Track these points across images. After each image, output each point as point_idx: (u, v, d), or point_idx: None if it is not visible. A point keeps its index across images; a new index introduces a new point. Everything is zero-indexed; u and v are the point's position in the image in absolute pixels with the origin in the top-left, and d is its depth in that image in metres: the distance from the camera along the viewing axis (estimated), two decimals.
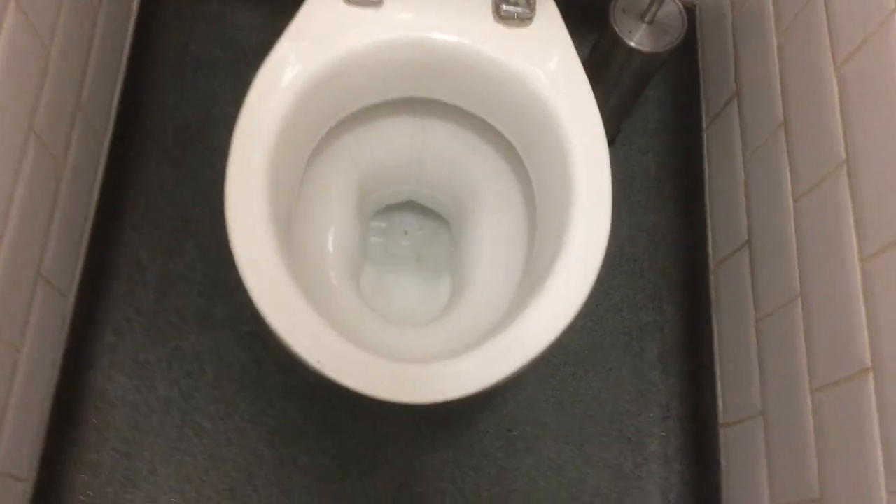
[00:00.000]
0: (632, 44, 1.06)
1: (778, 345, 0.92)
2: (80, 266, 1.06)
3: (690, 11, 1.29)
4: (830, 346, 0.81)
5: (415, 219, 1.16)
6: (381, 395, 0.72)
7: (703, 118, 1.23)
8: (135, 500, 1.02)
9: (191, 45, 1.27)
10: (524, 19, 0.87)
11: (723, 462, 1.04)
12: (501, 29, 0.87)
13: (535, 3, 0.88)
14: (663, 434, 1.12)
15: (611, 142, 1.28)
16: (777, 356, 0.93)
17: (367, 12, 0.86)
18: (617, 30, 1.06)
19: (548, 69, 0.86)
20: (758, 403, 0.96)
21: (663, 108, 1.31)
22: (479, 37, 0.87)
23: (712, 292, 1.13)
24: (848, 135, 0.82)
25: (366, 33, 0.85)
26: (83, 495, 1.02)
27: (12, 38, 0.78)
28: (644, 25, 1.06)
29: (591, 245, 0.79)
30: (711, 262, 1.15)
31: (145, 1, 1.23)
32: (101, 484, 1.02)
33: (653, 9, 1.05)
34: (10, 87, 0.79)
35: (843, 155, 0.82)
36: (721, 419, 1.06)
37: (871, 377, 0.74)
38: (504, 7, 0.87)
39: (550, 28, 0.88)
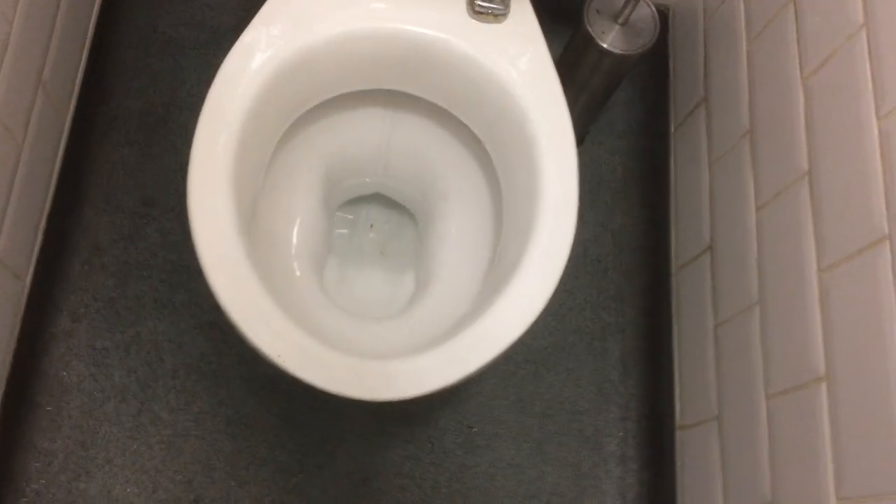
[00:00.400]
0: (604, 45, 1.06)
1: (735, 350, 0.94)
2: (36, 249, 1.03)
3: (663, 15, 1.29)
4: (786, 354, 0.83)
5: (381, 212, 1.15)
6: (341, 391, 0.71)
7: (672, 122, 1.24)
8: (89, 490, 1.00)
9: (159, 24, 1.24)
10: (498, 15, 0.87)
11: (678, 464, 1.06)
12: (475, 24, 0.87)
13: None
14: (621, 434, 1.13)
15: (579, 142, 1.28)
16: (734, 361, 0.94)
17: (339, 0, 0.85)
18: (590, 30, 1.06)
19: (519, 66, 0.86)
20: (714, 407, 0.97)
21: (632, 111, 1.32)
22: (452, 31, 0.86)
23: (674, 295, 1.14)
24: (811, 146, 0.83)
25: (339, 22, 0.84)
26: (36, 483, 1.00)
27: None
28: (617, 27, 1.07)
29: (555, 246, 0.79)
30: (674, 265, 1.16)
31: None
32: (54, 472, 1.00)
33: (626, 11, 1.05)
34: None
35: (806, 166, 0.83)
36: (678, 421, 1.08)
37: (824, 386, 0.75)
38: (478, 2, 0.86)
39: (524, 25, 0.88)
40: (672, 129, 1.24)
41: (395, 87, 0.92)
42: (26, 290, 1.01)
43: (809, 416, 0.76)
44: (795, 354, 0.80)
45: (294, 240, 0.98)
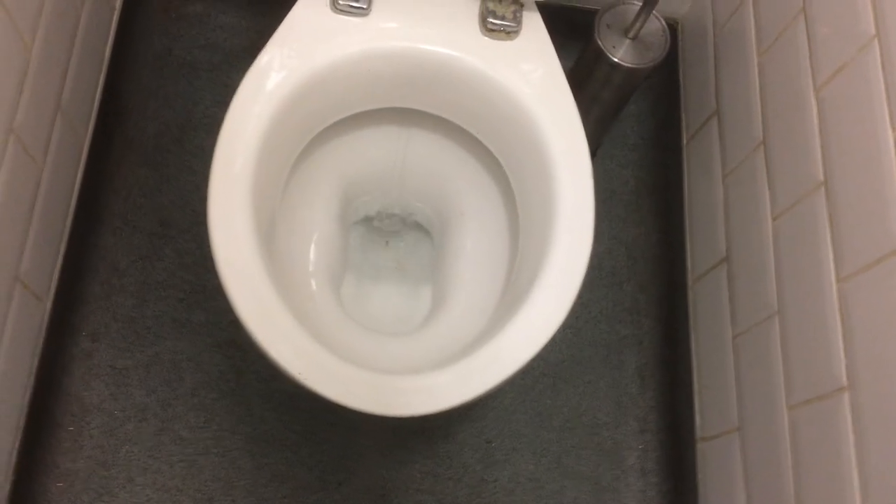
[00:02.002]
0: (615, 59, 1.07)
1: (755, 361, 0.94)
2: (57, 270, 1.04)
3: (672, 27, 1.30)
4: (807, 364, 0.82)
5: (397, 227, 1.16)
6: (361, 406, 0.72)
7: (683, 134, 1.25)
8: None
9: (173, 46, 1.26)
10: (510, 32, 0.88)
11: (700, 476, 1.05)
12: (487, 41, 0.88)
13: (521, 16, 0.88)
14: (641, 447, 1.13)
15: (592, 155, 1.28)
16: (754, 372, 0.94)
17: (353, 20, 0.86)
18: (601, 44, 1.07)
19: (532, 83, 0.87)
20: (735, 419, 0.97)
21: (643, 123, 1.33)
22: (465, 49, 0.87)
23: (690, 307, 1.14)
24: (826, 157, 0.83)
25: (352, 42, 0.85)
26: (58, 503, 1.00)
27: None
28: (628, 41, 1.07)
29: (571, 264, 0.79)
30: (690, 277, 1.16)
31: (130, 1, 1.22)
32: (76, 492, 1.01)
33: (637, 25, 1.06)
34: None
35: (822, 176, 0.83)
36: (699, 433, 1.07)
37: (846, 396, 0.75)
38: (490, 20, 0.87)
39: (536, 41, 0.89)
40: (684, 141, 1.24)
41: (409, 104, 0.93)
42: (47, 312, 1.02)
43: (832, 426, 0.76)
44: (816, 364, 0.80)
45: (311, 256, 0.99)
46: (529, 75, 0.87)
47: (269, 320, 0.74)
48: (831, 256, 0.80)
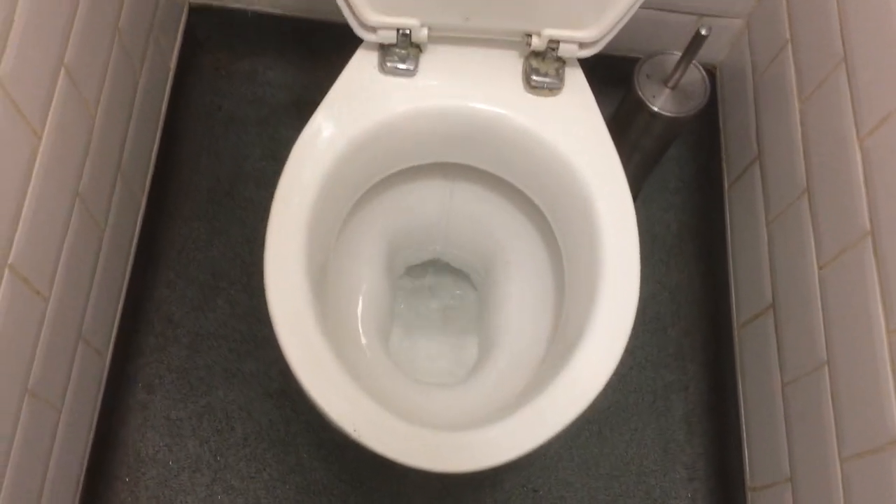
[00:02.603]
0: (655, 108, 1.08)
1: (805, 411, 0.93)
2: (115, 325, 1.08)
3: (710, 72, 1.31)
4: (859, 416, 0.82)
5: (441, 277, 1.18)
6: (418, 464, 0.73)
7: (725, 178, 1.25)
8: None
9: (223, 103, 1.30)
10: (553, 89, 0.90)
11: None
12: (532, 98, 0.90)
13: (563, 73, 0.90)
14: (689, 496, 1.12)
15: (633, 200, 1.29)
16: (805, 422, 0.93)
17: (401, 81, 0.89)
18: (641, 94, 1.08)
19: (577, 138, 0.88)
20: (786, 469, 0.96)
21: (684, 167, 1.33)
22: (510, 106, 0.89)
23: (737, 353, 1.14)
24: (872, 207, 0.83)
25: (400, 102, 0.88)
26: None
27: (62, 105, 0.81)
28: (668, 90, 1.09)
29: (619, 316, 0.80)
30: (735, 323, 1.16)
31: (183, 62, 1.27)
32: None
33: (677, 75, 1.07)
34: (58, 152, 0.81)
35: (868, 226, 0.83)
36: (749, 483, 1.06)
37: None
38: (534, 77, 0.89)
39: (579, 98, 0.91)
40: (726, 186, 1.25)
41: (456, 160, 0.95)
42: (107, 366, 1.05)
43: (887, 480, 0.76)
44: (869, 416, 0.80)
45: (360, 309, 1.01)
46: (573, 131, 0.89)
47: (324, 377, 0.75)
48: (881, 308, 0.80)
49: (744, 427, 1.09)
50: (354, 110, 0.87)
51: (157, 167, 1.19)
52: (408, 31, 0.86)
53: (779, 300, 1.03)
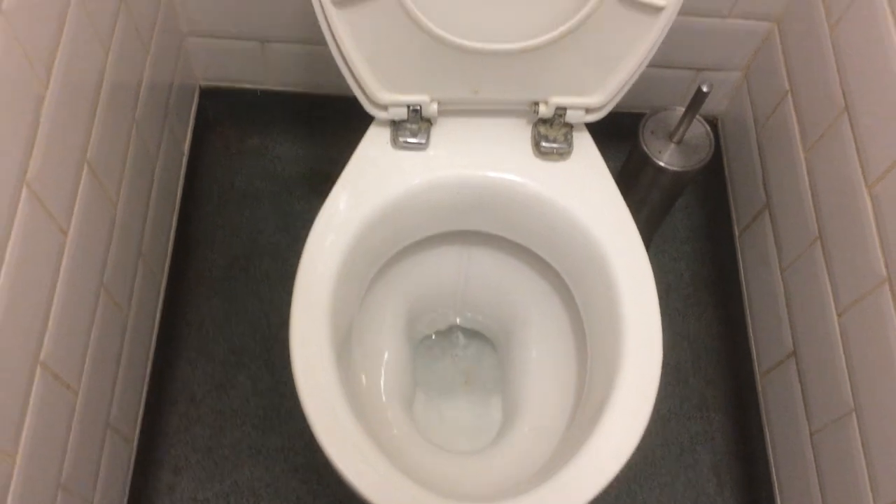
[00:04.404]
0: (662, 163, 1.10)
1: (836, 459, 0.92)
2: (141, 409, 1.08)
3: (712, 124, 1.33)
4: (891, 463, 0.81)
5: (461, 342, 1.18)
6: None
7: (735, 227, 1.26)
8: None
9: (235, 179, 1.33)
10: (563, 154, 0.92)
11: None
12: (542, 164, 0.91)
13: (571, 137, 0.92)
14: None
15: None
16: (837, 471, 0.92)
17: (413, 154, 0.91)
18: (646, 150, 1.10)
19: (589, 201, 0.90)
20: None
21: (692, 217, 1.35)
22: (521, 172, 0.91)
23: (761, 401, 1.13)
24: (887, 252, 0.84)
25: (414, 175, 0.90)
26: None
27: (86, 199, 0.83)
28: (673, 145, 1.11)
29: (644, 377, 0.80)
30: (757, 371, 1.16)
31: (195, 142, 1.29)
32: None
33: (681, 130, 1.09)
34: (83, 246, 0.83)
35: (884, 272, 0.84)
36: None
37: None
38: (544, 144, 0.91)
39: (588, 160, 0.93)
40: (736, 234, 1.26)
41: (471, 227, 0.97)
42: (134, 451, 1.05)
43: None
44: None
45: (383, 377, 1.01)
46: (585, 194, 0.90)
47: (352, 450, 0.75)
48: None
49: (774, 476, 1.08)
50: (370, 186, 0.89)
51: (175, 248, 1.21)
52: (418, 107, 0.88)
53: (800, 347, 1.03)
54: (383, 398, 1.01)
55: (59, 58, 0.76)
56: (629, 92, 0.87)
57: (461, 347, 1.18)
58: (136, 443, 1.05)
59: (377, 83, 0.85)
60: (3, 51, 0.65)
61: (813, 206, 1.01)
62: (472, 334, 1.17)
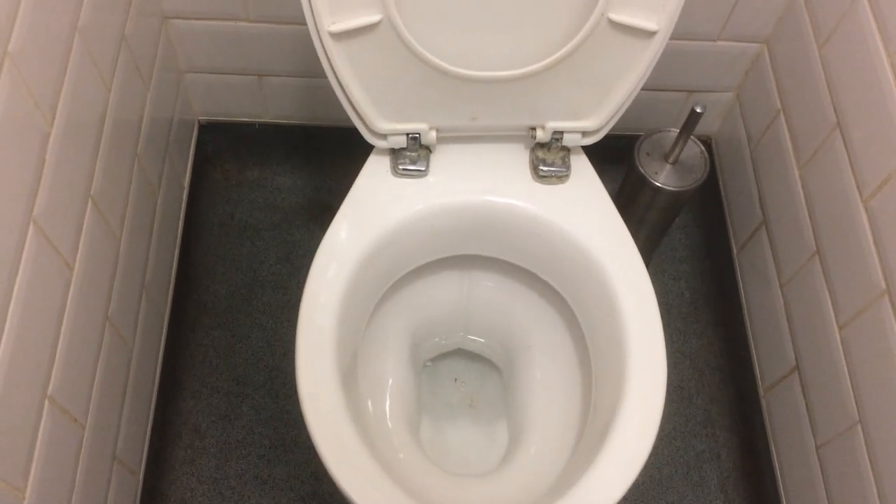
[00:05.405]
0: (658, 184, 1.11)
1: (843, 472, 0.93)
2: (146, 442, 1.08)
3: (706, 143, 1.35)
4: None
5: (464, 364, 1.18)
6: None
7: (733, 244, 1.28)
8: None
9: (235, 211, 1.33)
10: (561, 177, 0.93)
11: None
12: (541, 187, 0.93)
13: (569, 161, 0.93)
14: None
15: None
16: (844, 483, 0.93)
17: (413, 182, 0.92)
18: (643, 171, 1.12)
19: (588, 222, 0.91)
20: None
21: (690, 235, 1.36)
22: (521, 196, 0.92)
23: (766, 417, 1.14)
24: (885, 265, 0.85)
25: (414, 202, 0.91)
26: None
27: (91, 234, 0.84)
28: (668, 166, 1.12)
29: (649, 397, 0.80)
30: (761, 387, 1.16)
31: (195, 176, 1.30)
32: None
33: (676, 151, 1.11)
34: (89, 280, 0.84)
35: (883, 284, 0.85)
36: None
37: None
38: (542, 168, 0.92)
39: (585, 181, 0.94)
40: (734, 251, 1.27)
41: (472, 252, 0.98)
42: (140, 484, 1.05)
43: None
44: None
45: (388, 403, 1.02)
46: (584, 215, 0.91)
47: (362, 478, 0.75)
48: None
49: (782, 492, 1.08)
50: (371, 214, 0.90)
51: (177, 281, 1.21)
52: (417, 135, 0.89)
53: (802, 362, 1.03)
54: (389, 423, 1.01)
55: (64, 97, 0.77)
56: (624, 115, 0.89)
57: (465, 371, 1.18)
58: (142, 475, 1.05)
59: (376, 113, 0.87)
60: (9, 91, 0.66)
61: (809, 221, 1.02)
62: (476, 357, 1.17)
